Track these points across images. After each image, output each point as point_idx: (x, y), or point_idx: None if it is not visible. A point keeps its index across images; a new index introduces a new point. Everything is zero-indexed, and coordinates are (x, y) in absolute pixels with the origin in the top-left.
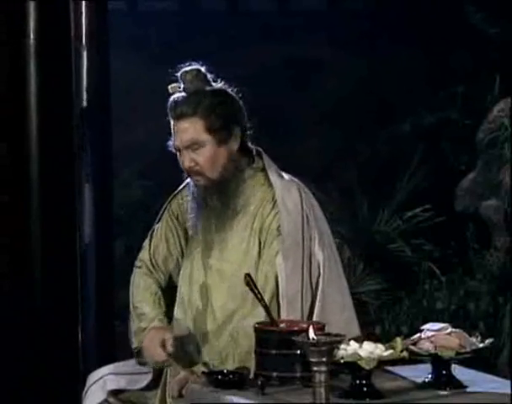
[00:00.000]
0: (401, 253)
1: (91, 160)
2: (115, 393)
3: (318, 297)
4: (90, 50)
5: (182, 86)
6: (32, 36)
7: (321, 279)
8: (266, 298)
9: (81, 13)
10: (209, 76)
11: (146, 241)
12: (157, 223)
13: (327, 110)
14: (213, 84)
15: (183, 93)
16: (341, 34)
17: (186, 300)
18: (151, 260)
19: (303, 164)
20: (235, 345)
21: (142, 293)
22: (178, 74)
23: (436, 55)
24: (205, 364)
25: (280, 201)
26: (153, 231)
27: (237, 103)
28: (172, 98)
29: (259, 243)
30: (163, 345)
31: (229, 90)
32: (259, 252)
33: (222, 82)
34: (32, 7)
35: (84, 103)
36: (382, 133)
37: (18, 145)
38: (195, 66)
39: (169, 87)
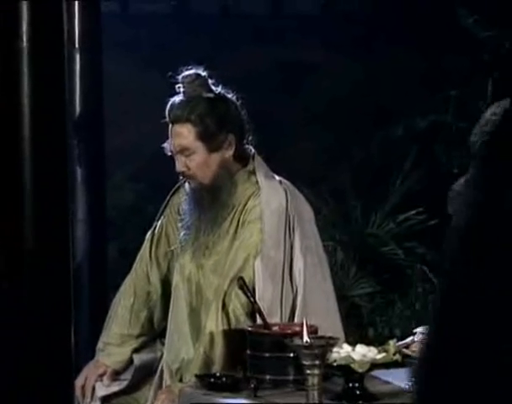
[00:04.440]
0: (394, 256)
1: (84, 162)
2: (106, 399)
3: (299, 303)
4: (83, 53)
5: (181, 89)
6: (25, 38)
7: (301, 285)
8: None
9: (74, 15)
10: (209, 81)
11: (148, 235)
12: (159, 217)
13: (320, 113)
14: (213, 89)
15: (181, 97)
16: (334, 37)
17: (180, 295)
18: (150, 255)
19: (297, 167)
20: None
21: (118, 304)
22: (179, 77)
23: (430, 58)
24: (180, 380)
25: (264, 201)
26: (155, 227)
27: (234, 110)
28: (171, 101)
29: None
30: (100, 379)
31: (228, 96)
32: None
33: (222, 88)
34: (25, 8)
35: (77, 106)
36: (376, 136)
37: (11, 146)
38: (195, 70)
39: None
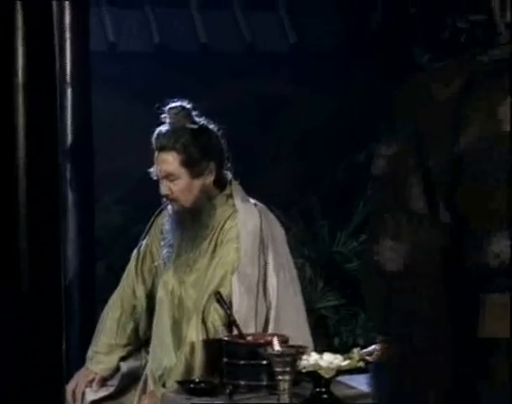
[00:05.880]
0: (357, 272)
1: (75, 187)
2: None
3: (272, 316)
4: (74, 87)
5: (167, 120)
6: (20, 75)
7: (275, 300)
8: (211, 288)
9: (65, 53)
10: (193, 113)
11: (134, 253)
12: (145, 236)
13: (291, 143)
14: (196, 121)
15: (167, 127)
16: (304, 72)
17: (164, 308)
18: (136, 271)
19: (270, 192)
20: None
21: (107, 316)
22: (166, 108)
23: (389, 92)
24: (163, 386)
25: (240, 222)
26: (141, 245)
27: (215, 140)
28: (157, 130)
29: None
30: (89, 385)
31: (210, 126)
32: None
33: (204, 119)
34: (20, 49)
35: (69, 136)
36: (341, 163)
37: (7, 172)
38: (180, 103)
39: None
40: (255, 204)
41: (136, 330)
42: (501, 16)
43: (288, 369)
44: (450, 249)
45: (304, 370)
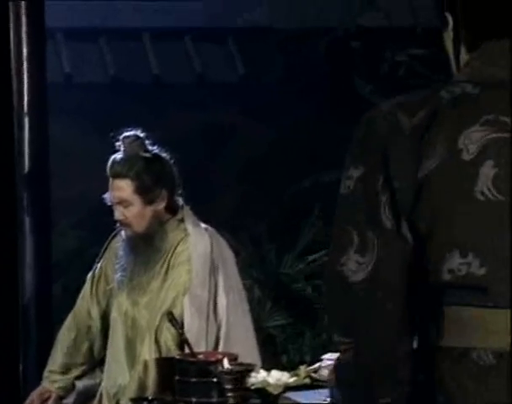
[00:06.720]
0: (303, 292)
1: (32, 213)
2: None
3: (222, 335)
4: (31, 117)
5: (122, 148)
6: None
7: (224, 320)
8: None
9: (23, 84)
10: (146, 142)
11: (89, 276)
12: (100, 259)
13: (240, 170)
14: (149, 149)
15: (121, 155)
16: (252, 103)
17: (118, 328)
18: (91, 293)
19: (220, 217)
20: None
21: (62, 336)
22: (120, 137)
23: (333, 121)
24: (117, 403)
25: (192, 245)
26: (96, 268)
27: (167, 168)
28: (112, 157)
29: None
30: (45, 403)
31: (162, 155)
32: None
33: (157, 148)
34: None
35: (26, 163)
36: (287, 190)
37: None
38: (134, 132)
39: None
40: (206, 229)
41: (90, 349)
42: (455, 57)
43: (237, 386)
44: (415, 264)
45: (253, 387)
